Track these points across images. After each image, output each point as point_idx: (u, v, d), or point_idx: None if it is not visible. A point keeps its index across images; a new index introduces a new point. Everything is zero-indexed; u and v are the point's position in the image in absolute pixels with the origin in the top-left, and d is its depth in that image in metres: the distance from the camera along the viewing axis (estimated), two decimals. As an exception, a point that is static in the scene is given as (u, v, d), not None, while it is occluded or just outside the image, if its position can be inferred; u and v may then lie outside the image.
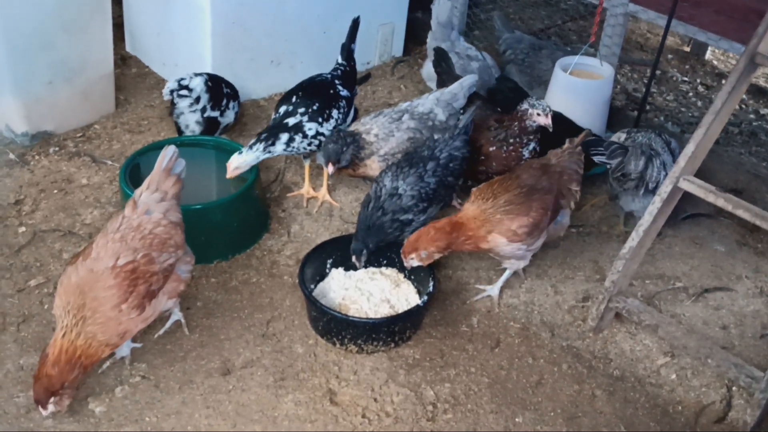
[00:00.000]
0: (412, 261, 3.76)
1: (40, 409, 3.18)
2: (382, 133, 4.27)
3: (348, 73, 4.62)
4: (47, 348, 3.15)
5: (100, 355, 3.20)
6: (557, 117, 4.81)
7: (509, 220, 3.75)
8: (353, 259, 3.91)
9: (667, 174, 4.21)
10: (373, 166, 4.28)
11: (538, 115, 4.23)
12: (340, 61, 4.66)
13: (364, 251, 3.89)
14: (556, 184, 3.97)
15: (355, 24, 4.65)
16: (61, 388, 3.14)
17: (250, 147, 4.15)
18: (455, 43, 5.24)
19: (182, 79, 4.68)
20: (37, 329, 3.68)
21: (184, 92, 4.66)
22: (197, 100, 4.71)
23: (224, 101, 4.85)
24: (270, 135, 4.20)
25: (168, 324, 3.71)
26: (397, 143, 4.26)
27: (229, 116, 4.93)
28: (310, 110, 4.32)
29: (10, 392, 3.38)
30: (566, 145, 4.15)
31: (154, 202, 3.35)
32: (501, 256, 3.92)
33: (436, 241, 3.71)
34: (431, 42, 5.27)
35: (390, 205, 3.92)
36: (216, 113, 4.82)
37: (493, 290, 4.07)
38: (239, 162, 4.11)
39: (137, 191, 3.39)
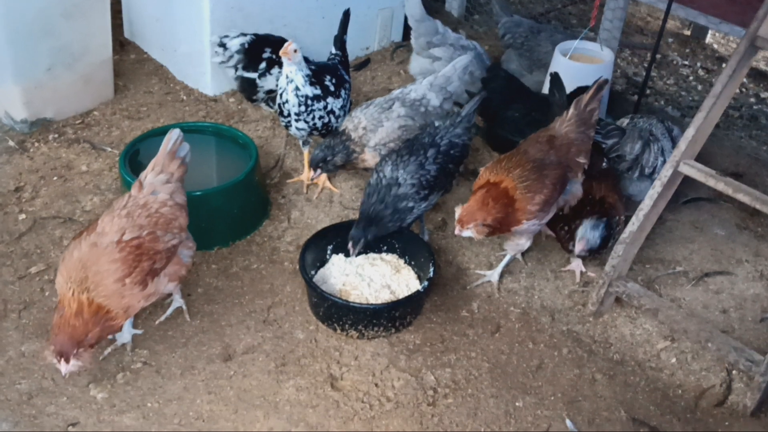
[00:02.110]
0: (468, 232, 3.70)
1: (62, 363, 3.08)
2: (371, 124, 4.25)
3: (344, 63, 4.67)
4: (59, 306, 3.11)
5: (117, 321, 3.20)
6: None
7: (525, 199, 3.73)
8: (349, 245, 3.88)
9: (665, 160, 4.22)
10: (366, 158, 4.27)
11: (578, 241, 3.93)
12: (334, 51, 4.68)
13: (362, 241, 3.87)
14: (564, 157, 3.87)
15: (346, 16, 4.68)
16: (85, 340, 3.09)
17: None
18: (445, 35, 5.14)
19: (225, 36, 4.76)
20: (39, 316, 3.68)
21: (219, 49, 4.75)
22: (229, 58, 4.76)
23: (264, 65, 4.82)
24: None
25: (169, 311, 3.72)
26: (386, 133, 4.24)
27: (270, 81, 4.90)
28: (332, 81, 4.37)
29: (12, 379, 3.39)
30: (572, 110, 3.95)
31: (160, 183, 3.39)
32: (514, 234, 3.89)
33: (495, 213, 3.66)
34: (417, 39, 5.14)
35: (391, 198, 3.89)
36: (252, 74, 4.81)
37: (493, 275, 4.07)
38: (296, 48, 4.13)
39: (143, 173, 3.42)
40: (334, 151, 4.23)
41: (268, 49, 4.83)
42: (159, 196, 3.37)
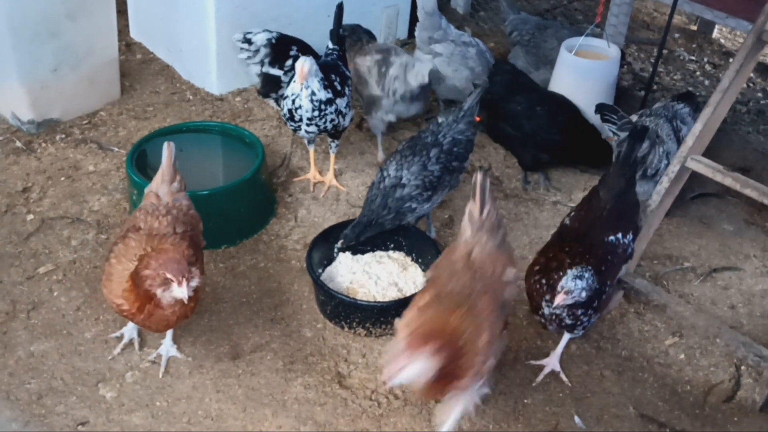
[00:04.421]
0: (412, 370, 2.77)
1: (183, 285, 2.97)
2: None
3: (342, 57, 4.61)
4: (140, 264, 3.07)
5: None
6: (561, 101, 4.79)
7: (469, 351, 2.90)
8: (339, 242, 3.90)
9: (668, 163, 4.18)
10: (363, 62, 4.77)
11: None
12: (331, 46, 4.61)
13: (352, 243, 3.90)
14: (490, 279, 3.11)
15: (340, 9, 4.61)
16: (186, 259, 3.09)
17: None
18: (447, 31, 5.13)
19: (248, 32, 4.76)
20: (47, 316, 3.70)
21: (244, 45, 4.74)
22: (255, 53, 4.75)
23: (290, 62, 4.79)
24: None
25: (163, 362, 3.53)
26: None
27: None
28: (338, 80, 4.35)
29: (21, 378, 3.41)
30: (468, 229, 3.20)
31: (175, 191, 3.44)
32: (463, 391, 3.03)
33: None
34: (421, 33, 5.13)
35: (393, 202, 3.89)
36: (277, 71, 4.79)
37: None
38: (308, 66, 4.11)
39: (153, 185, 3.45)
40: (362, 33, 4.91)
41: (295, 47, 4.84)
42: (183, 202, 3.44)
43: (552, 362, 3.63)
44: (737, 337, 3.61)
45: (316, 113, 4.19)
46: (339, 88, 4.31)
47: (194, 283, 3.03)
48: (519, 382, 3.55)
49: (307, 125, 4.24)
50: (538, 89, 4.85)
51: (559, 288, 3.22)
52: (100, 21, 4.80)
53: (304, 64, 4.06)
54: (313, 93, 4.14)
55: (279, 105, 4.89)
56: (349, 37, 4.92)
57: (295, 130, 4.32)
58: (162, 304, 3.07)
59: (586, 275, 3.21)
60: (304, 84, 4.11)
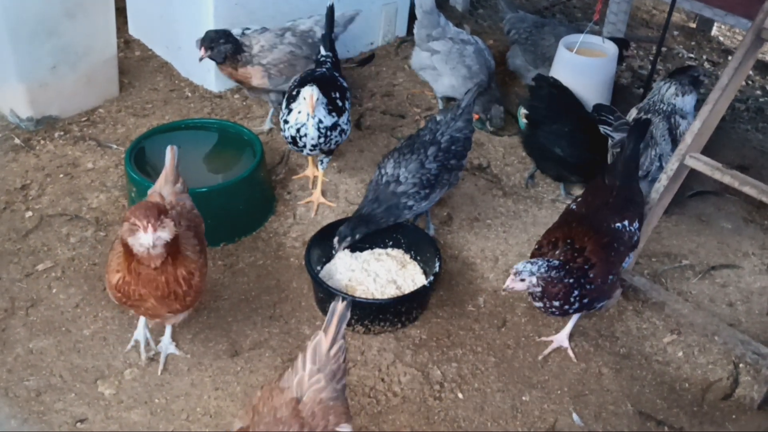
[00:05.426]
0: None
1: (149, 231, 2.84)
2: (268, 44, 4.61)
3: (336, 64, 4.51)
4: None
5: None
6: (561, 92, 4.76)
7: None
8: (335, 240, 3.88)
9: (661, 165, 4.17)
10: (256, 75, 4.61)
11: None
12: (324, 53, 4.51)
13: (348, 239, 3.86)
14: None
15: (331, 11, 4.55)
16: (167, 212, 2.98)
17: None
18: (446, 28, 5.13)
19: (247, 28, 4.75)
20: (46, 313, 3.70)
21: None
22: None
23: None
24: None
25: (162, 359, 3.53)
26: (279, 54, 4.64)
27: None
28: (337, 95, 4.23)
29: (20, 375, 3.41)
30: (309, 365, 2.68)
31: (179, 192, 3.46)
32: None
33: None
34: (419, 31, 5.14)
35: (386, 196, 3.89)
36: None
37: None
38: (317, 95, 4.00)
39: (157, 186, 3.45)
40: (226, 39, 4.47)
41: None
42: (186, 202, 3.46)
43: (560, 338, 3.72)
44: (735, 335, 3.61)
45: (322, 140, 4.11)
46: (340, 104, 4.19)
47: (164, 234, 2.90)
48: (517, 380, 3.56)
49: (311, 150, 4.16)
50: (580, 110, 4.72)
51: (512, 269, 3.31)
52: (99, 19, 4.80)
53: (313, 94, 3.96)
54: (320, 121, 4.05)
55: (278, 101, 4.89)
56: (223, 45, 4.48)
57: (299, 149, 4.21)
58: (140, 258, 2.95)
59: (545, 265, 3.27)
60: (311, 114, 4.02)
